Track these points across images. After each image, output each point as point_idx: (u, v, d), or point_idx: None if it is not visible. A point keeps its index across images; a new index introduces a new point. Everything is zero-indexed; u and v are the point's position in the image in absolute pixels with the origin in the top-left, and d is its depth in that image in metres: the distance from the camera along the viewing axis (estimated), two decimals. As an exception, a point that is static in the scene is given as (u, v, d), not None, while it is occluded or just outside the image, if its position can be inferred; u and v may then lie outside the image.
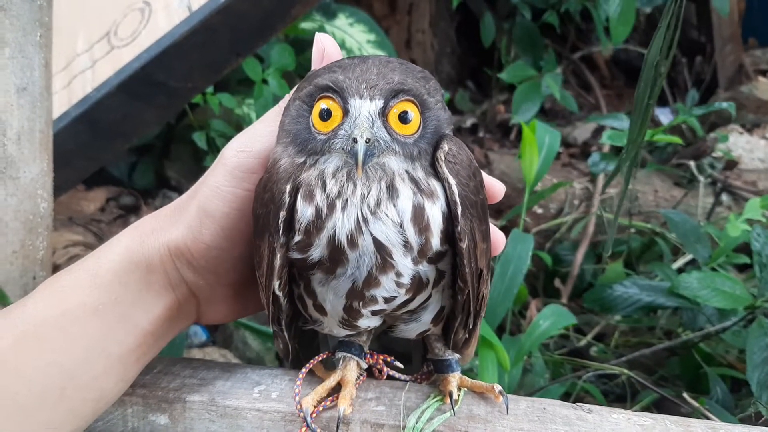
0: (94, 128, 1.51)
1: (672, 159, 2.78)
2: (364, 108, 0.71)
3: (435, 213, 0.74)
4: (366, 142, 0.69)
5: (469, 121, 3.35)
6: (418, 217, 0.73)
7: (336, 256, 0.73)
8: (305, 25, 2.46)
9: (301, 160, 0.74)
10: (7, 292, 1.04)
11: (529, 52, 3.02)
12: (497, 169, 2.73)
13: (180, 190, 2.55)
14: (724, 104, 2.43)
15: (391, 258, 0.73)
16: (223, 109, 2.38)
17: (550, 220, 2.57)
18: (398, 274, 0.74)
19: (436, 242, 0.74)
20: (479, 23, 3.39)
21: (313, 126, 0.74)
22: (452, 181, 0.74)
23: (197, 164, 2.50)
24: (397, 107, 0.73)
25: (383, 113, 0.72)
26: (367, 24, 2.50)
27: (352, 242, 0.72)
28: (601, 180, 2.61)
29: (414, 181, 0.73)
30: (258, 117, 2.25)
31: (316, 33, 0.86)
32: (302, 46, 2.50)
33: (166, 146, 2.65)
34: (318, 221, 0.72)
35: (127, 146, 1.70)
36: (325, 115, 0.73)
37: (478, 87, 3.80)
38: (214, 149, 2.40)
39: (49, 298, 0.81)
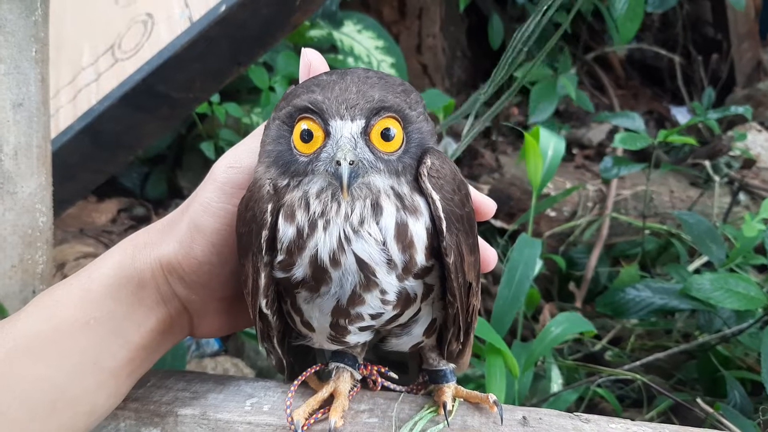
0: (98, 141, 1.52)
1: (687, 159, 2.74)
2: (346, 129, 0.70)
3: (419, 229, 0.73)
4: (350, 164, 0.68)
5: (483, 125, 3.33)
6: (402, 234, 0.72)
7: (319, 275, 0.72)
8: (313, 33, 2.47)
9: (285, 182, 0.74)
10: (7, 306, 1.05)
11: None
12: (509, 172, 2.70)
13: (192, 200, 2.56)
14: (740, 109, 2.39)
15: (375, 276, 0.72)
16: (233, 119, 2.39)
17: (564, 223, 2.54)
18: (383, 292, 0.74)
19: (421, 258, 0.73)
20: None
21: (295, 147, 0.73)
22: (436, 196, 0.73)
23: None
24: (379, 125, 0.72)
25: (365, 132, 0.71)
26: (375, 30, 2.50)
27: (335, 261, 0.71)
28: (615, 181, 2.58)
29: (399, 197, 0.73)
30: (258, 115, 2.24)
31: (303, 48, 0.86)
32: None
33: (178, 156, 2.67)
34: (299, 240, 0.72)
35: (131, 158, 1.71)
36: (306, 136, 0.72)
37: (490, 90, 3.77)
38: (223, 158, 2.41)
39: (41, 312, 0.81)
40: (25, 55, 1.05)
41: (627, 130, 2.49)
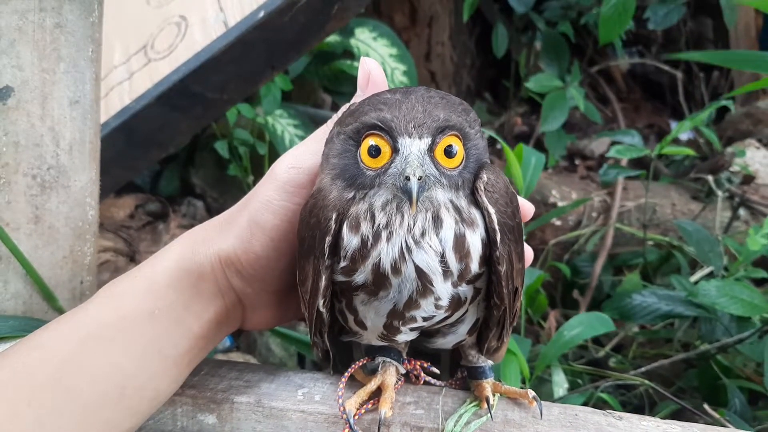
0: (132, 138, 1.56)
1: (690, 173, 2.80)
2: (414, 147, 0.74)
3: (475, 241, 0.78)
4: (418, 179, 0.72)
5: (486, 133, 3.39)
6: (459, 245, 0.77)
7: (379, 281, 0.77)
8: (330, 38, 2.51)
9: (351, 194, 0.78)
10: (57, 295, 1.09)
11: (555, 62, 3.05)
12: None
13: (204, 198, 2.60)
14: (729, 106, 2.45)
15: (432, 285, 0.77)
16: (245, 119, 2.43)
17: (569, 232, 2.60)
18: (437, 298, 0.78)
19: (475, 267, 0.78)
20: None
21: (362, 161, 0.77)
22: (491, 210, 0.78)
23: (221, 172, 2.56)
24: (443, 142, 0.76)
25: (431, 149, 0.76)
26: (389, 38, 2.55)
27: (396, 269, 0.76)
28: (619, 193, 2.64)
29: (457, 209, 0.77)
30: (268, 115, 2.27)
31: (362, 57, 0.91)
32: (326, 58, 2.55)
33: (191, 155, 2.70)
34: (363, 250, 0.76)
35: (162, 156, 1.75)
36: (374, 152, 0.76)
37: (495, 99, 3.84)
38: (237, 158, 2.45)
39: (108, 302, 0.85)
40: (82, 55, 1.09)
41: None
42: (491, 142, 3.25)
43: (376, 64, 0.89)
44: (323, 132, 0.88)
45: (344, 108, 0.89)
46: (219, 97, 1.57)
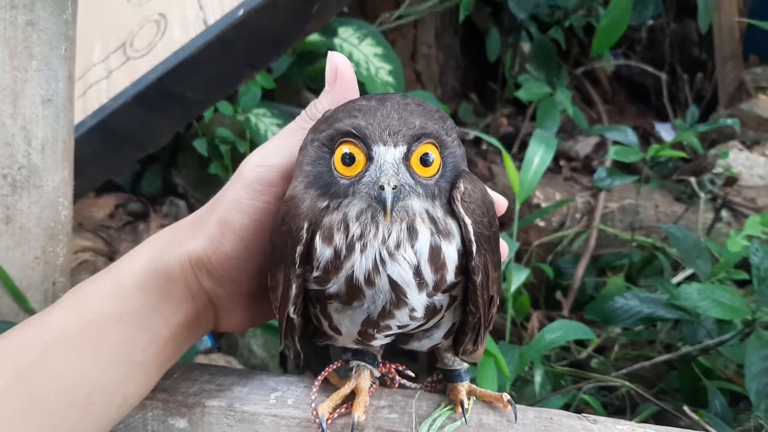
0: (110, 137, 1.54)
1: (673, 174, 2.82)
2: (389, 155, 0.73)
3: (451, 252, 0.76)
4: (393, 188, 0.71)
5: (472, 134, 3.39)
6: (435, 256, 0.75)
7: (353, 292, 0.76)
8: (312, 37, 2.49)
9: (324, 203, 0.76)
10: (29, 297, 1.07)
11: (543, 68, 3.06)
12: (500, 182, 2.76)
13: (187, 198, 2.58)
14: (729, 120, 2.46)
15: (406, 297, 0.76)
16: (228, 117, 2.40)
17: (552, 233, 2.60)
18: (412, 309, 0.77)
19: (450, 277, 0.77)
20: (483, 37, 3.42)
21: (336, 169, 0.75)
22: (468, 220, 0.76)
23: (204, 172, 2.53)
24: (419, 150, 0.75)
25: (406, 158, 0.74)
26: (374, 38, 2.53)
27: (369, 281, 0.74)
28: (602, 194, 2.65)
29: (433, 220, 0.76)
30: (246, 113, 2.25)
31: (330, 52, 0.88)
32: (309, 58, 2.53)
33: (173, 154, 2.68)
34: (336, 261, 0.75)
35: (141, 156, 1.73)
36: (348, 160, 0.74)
37: (481, 100, 3.84)
38: (218, 156, 2.42)
39: (74, 306, 0.83)
40: (55, 52, 1.07)
41: (616, 143, 2.56)
42: (476, 143, 3.25)
43: (343, 58, 0.88)
44: (291, 129, 0.87)
45: (312, 104, 0.88)
46: (198, 96, 1.56)
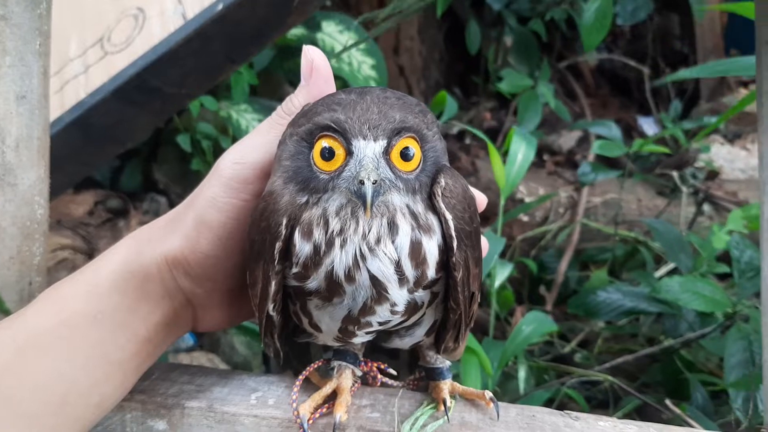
0: (88, 133, 1.52)
1: (655, 169, 2.83)
2: (369, 149, 0.72)
3: (432, 247, 0.76)
4: (373, 183, 0.70)
5: (455, 128, 3.38)
6: (416, 252, 0.74)
7: (333, 288, 0.75)
8: (295, 31, 2.47)
9: (304, 199, 0.75)
10: (4, 297, 1.05)
11: (525, 61, 3.06)
12: (485, 177, 2.76)
13: (168, 194, 2.55)
14: (713, 119, 2.48)
15: (387, 292, 0.75)
16: (210, 113, 2.38)
17: (536, 228, 2.61)
18: (393, 304, 0.77)
19: (431, 273, 0.76)
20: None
21: (315, 164, 0.75)
22: (449, 216, 0.76)
23: (185, 167, 2.51)
24: (399, 145, 0.74)
25: (386, 152, 0.73)
26: (357, 32, 2.52)
27: (350, 277, 0.73)
28: (585, 189, 2.65)
29: (414, 215, 0.75)
30: (236, 105, 2.24)
31: (304, 46, 0.87)
32: (291, 52, 2.51)
33: (153, 150, 2.65)
34: (316, 257, 0.74)
35: (119, 151, 1.70)
36: (328, 154, 0.73)
37: (464, 94, 3.84)
38: (200, 152, 2.40)
39: (49, 307, 0.82)
40: (29, 48, 1.05)
41: (599, 137, 2.57)
42: (459, 137, 3.25)
43: (319, 52, 0.87)
44: (267, 125, 0.86)
45: (288, 99, 0.86)
46: (177, 91, 1.54)
